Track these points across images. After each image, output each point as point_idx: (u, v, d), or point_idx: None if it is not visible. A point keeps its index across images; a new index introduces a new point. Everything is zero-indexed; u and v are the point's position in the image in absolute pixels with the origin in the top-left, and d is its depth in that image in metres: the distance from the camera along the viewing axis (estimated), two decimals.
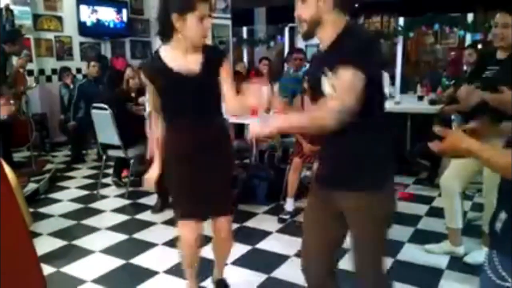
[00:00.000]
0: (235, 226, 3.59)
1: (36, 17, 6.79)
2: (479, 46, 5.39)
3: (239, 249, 3.14)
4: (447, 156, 1.26)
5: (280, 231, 3.52)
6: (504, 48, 2.59)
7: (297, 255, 3.05)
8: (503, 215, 1.14)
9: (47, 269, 2.81)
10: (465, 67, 4.71)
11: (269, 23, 8.42)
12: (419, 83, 5.35)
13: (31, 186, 4.44)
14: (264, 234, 3.44)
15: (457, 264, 2.87)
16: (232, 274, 2.82)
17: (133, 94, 5.10)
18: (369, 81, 1.44)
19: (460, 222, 2.94)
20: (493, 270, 1.14)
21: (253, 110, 4.19)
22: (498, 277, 1.12)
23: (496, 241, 1.17)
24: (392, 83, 6.12)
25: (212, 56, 2.05)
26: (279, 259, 3.01)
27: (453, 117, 3.79)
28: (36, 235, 3.43)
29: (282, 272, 2.83)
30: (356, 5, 6.63)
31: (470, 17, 6.01)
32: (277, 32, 8.08)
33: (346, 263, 2.90)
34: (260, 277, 2.78)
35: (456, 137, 1.27)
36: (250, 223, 3.68)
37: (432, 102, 4.74)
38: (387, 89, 5.56)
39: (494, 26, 2.60)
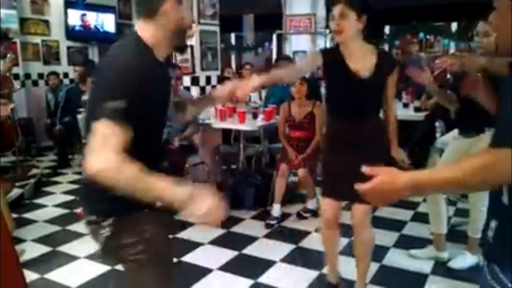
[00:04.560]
0: (221, 231, 3.60)
1: (23, 20, 6.74)
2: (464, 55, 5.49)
3: (225, 254, 3.14)
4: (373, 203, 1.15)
5: (267, 236, 3.53)
6: (488, 56, 2.65)
7: (284, 260, 3.07)
8: (493, 223, 1.05)
9: (30, 276, 2.78)
10: (448, 76, 4.78)
11: (257, 30, 8.47)
12: (404, 90, 5.42)
13: (16, 191, 4.39)
14: (251, 239, 3.45)
15: (441, 269, 2.91)
16: (219, 279, 2.83)
17: None
18: None
19: (444, 227, 2.99)
20: (497, 282, 1.04)
21: (241, 115, 4.22)
22: (499, 284, 1.04)
23: (493, 253, 1.07)
24: None
25: None
26: (266, 264, 3.02)
27: (437, 124, 3.86)
28: (20, 241, 3.39)
29: (269, 277, 2.84)
30: None
31: (454, 26, 6.13)
32: (265, 39, 8.14)
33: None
34: (247, 282, 2.78)
35: (390, 172, 1.07)
36: (237, 229, 3.69)
37: (417, 110, 4.80)
38: None
39: (476, 35, 2.68)
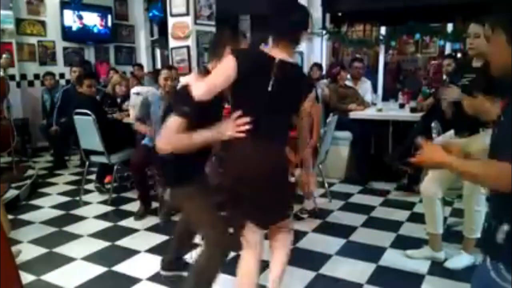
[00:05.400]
0: None
1: (18, 21, 6.72)
2: (458, 56, 5.53)
3: None
4: (425, 167, 1.48)
5: (264, 237, 3.52)
6: (479, 57, 2.68)
7: None
8: (505, 227, 1.16)
9: (27, 277, 2.77)
10: (444, 77, 4.81)
11: (254, 31, 8.48)
12: (400, 91, 5.44)
13: (12, 192, 4.37)
14: None
15: (438, 269, 2.92)
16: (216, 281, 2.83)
17: (118, 100, 5.08)
18: None
19: (440, 227, 2.99)
20: (499, 276, 1.18)
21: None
22: (503, 280, 1.17)
23: (501, 253, 1.20)
24: (375, 91, 6.21)
25: None
26: (263, 265, 3.00)
27: (433, 124, 3.87)
28: (17, 242, 3.38)
29: (266, 278, 2.83)
30: (340, 14, 6.74)
31: (450, 27, 6.15)
32: (262, 39, 8.14)
33: (330, 269, 2.94)
34: None
35: (433, 149, 1.37)
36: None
37: (413, 110, 4.82)
38: (370, 97, 5.65)
39: (467, 36, 2.70)
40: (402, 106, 5.20)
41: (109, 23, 7.86)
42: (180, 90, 2.12)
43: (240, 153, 1.99)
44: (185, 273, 2.67)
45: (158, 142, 2.04)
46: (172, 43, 5.67)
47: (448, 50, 6.16)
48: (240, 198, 2.03)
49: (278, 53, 1.95)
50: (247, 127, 1.91)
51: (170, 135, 1.97)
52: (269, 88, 1.91)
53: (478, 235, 2.91)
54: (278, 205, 2.15)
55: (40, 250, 3.30)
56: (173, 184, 2.31)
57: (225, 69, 1.91)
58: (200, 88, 1.91)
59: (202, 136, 1.99)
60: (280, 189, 2.09)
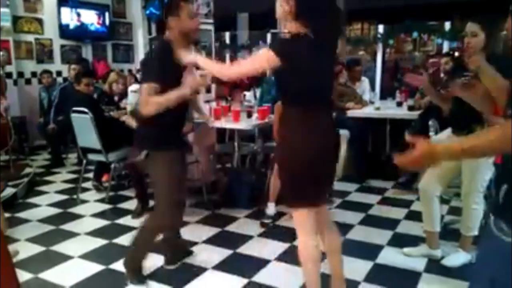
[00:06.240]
0: (216, 230, 3.61)
1: (15, 19, 6.69)
2: (456, 54, 5.53)
3: (220, 253, 3.15)
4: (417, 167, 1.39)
5: (262, 235, 3.54)
6: (474, 55, 2.67)
7: (278, 259, 3.08)
8: (504, 186, 1.22)
9: (24, 275, 2.77)
10: (442, 75, 4.82)
11: (252, 29, 8.48)
12: (398, 89, 5.45)
13: (9, 190, 4.36)
14: (246, 238, 3.45)
15: (435, 267, 2.93)
16: (213, 278, 2.83)
17: (115, 98, 5.07)
18: None
19: (438, 225, 3.00)
20: (499, 231, 1.23)
21: (235, 114, 4.22)
22: (504, 235, 1.22)
23: (502, 211, 1.25)
24: (372, 89, 6.22)
25: None
26: (260, 263, 3.02)
27: (430, 122, 3.88)
28: (14, 240, 3.37)
29: (263, 277, 2.84)
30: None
31: (447, 25, 6.16)
32: (260, 37, 8.13)
33: (327, 267, 2.94)
34: (241, 281, 2.78)
35: (426, 144, 1.27)
36: (231, 227, 3.69)
37: (411, 108, 4.83)
38: (367, 95, 5.65)
39: (464, 35, 2.70)
40: (399, 104, 5.21)
41: (107, 21, 7.83)
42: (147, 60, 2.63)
43: (298, 132, 2.01)
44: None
45: (141, 109, 2.34)
46: None
47: (446, 48, 6.17)
48: (298, 179, 2.05)
49: (303, 29, 1.95)
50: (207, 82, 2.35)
51: (148, 100, 2.29)
52: (312, 60, 1.95)
53: (476, 233, 2.92)
54: (329, 180, 2.29)
55: (37, 248, 3.30)
56: (153, 147, 2.51)
57: (258, 60, 2.07)
58: (233, 70, 2.21)
59: (173, 93, 2.31)
60: (331, 162, 2.20)
